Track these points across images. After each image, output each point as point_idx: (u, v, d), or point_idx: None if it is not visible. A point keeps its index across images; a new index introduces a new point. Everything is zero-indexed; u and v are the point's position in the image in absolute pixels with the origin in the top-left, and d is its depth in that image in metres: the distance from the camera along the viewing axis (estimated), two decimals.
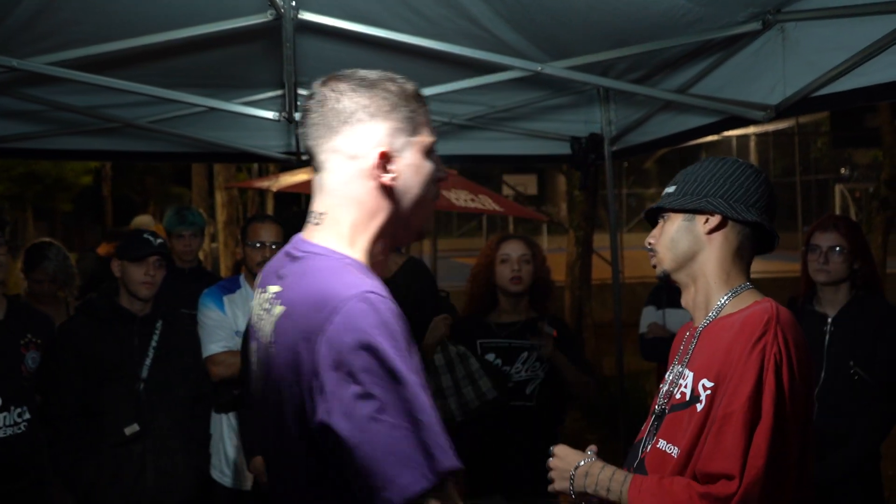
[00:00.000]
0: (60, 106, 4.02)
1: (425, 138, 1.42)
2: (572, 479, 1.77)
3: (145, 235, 3.18)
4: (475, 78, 3.37)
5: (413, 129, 1.40)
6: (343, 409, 1.18)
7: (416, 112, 1.41)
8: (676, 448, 1.67)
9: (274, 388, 1.32)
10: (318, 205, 1.41)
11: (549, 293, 3.31)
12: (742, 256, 1.77)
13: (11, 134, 4.16)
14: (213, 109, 3.81)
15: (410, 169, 1.39)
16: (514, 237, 3.30)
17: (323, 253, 1.36)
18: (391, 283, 4.11)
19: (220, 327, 3.45)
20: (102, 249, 6.41)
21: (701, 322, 1.77)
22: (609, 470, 1.74)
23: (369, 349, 1.19)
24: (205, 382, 3.40)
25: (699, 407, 1.65)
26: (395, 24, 3.03)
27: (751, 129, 23.86)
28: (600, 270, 10.02)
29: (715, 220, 1.73)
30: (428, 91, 3.43)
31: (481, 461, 3.05)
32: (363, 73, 1.42)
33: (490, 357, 3.13)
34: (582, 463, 1.78)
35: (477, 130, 4.53)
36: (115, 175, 23.88)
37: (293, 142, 4.46)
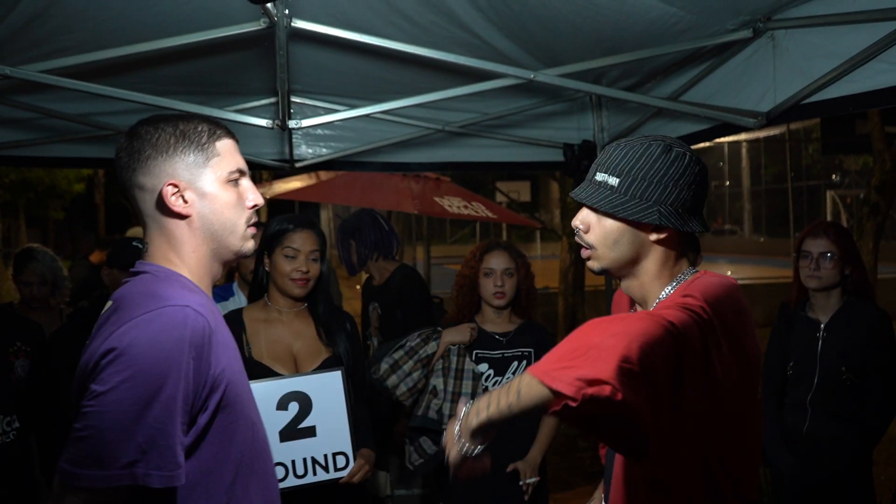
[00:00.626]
0: (53, 113, 4.01)
1: (222, 168, 1.55)
2: (461, 437, 1.52)
3: (134, 243, 3.17)
4: (468, 86, 3.38)
5: (206, 161, 1.54)
6: (91, 394, 1.35)
7: (208, 144, 1.54)
8: None
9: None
10: (144, 237, 1.59)
11: (533, 302, 3.32)
12: (682, 252, 1.72)
13: (4, 141, 4.15)
14: None
15: (206, 198, 1.53)
16: (498, 247, 3.28)
17: (155, 267, 1.54)
18: (383, 288, 4.19)
19: None
20: (95, 257, 6.41)
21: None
22: (496, 390, 1.47)
23: (134, 354, 1.34)
24: None
25: None
26: (388, 32, 3.04)
27: (742, 136, 23.99)
28: (593, 277, 10.04)
29: (665, 232, 1.64)
30: (420, 99, 3.44)
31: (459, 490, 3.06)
32: (164, 114, 1.59)
33: (483, 367, 3.16)
34: (462, 415, 1.54)
35: (470, 138, 4.55)
36: (107, 182, 23.81)
37: (286, 149, 4.46)
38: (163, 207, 1.51)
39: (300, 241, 2.68)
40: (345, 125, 4.40)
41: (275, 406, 2.50)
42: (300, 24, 2.89)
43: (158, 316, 1.37)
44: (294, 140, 4.45)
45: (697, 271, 1.71)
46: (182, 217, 1.52)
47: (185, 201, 1.51)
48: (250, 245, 1.61)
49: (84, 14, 2.87)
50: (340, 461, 2.55)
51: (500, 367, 3.17)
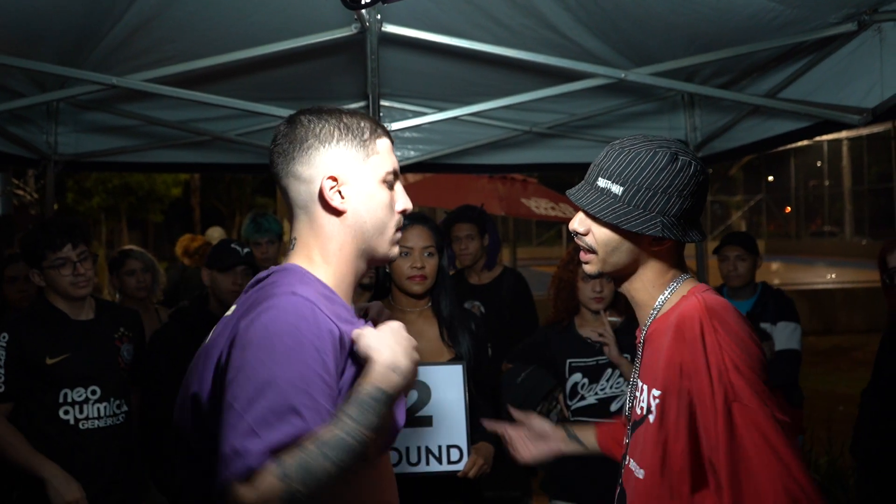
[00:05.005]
0: (154, 121, 4.19)
1: (380, 168, 1.50)
2: None
3: (233, 246, 3.23)
4: (556, 87, 3.35)
5: (366, 157, 1.48)
6: (225, 387, 1.28)
7: (370, 141, 1.49)
8: (642, 470, 1.58)
9: (195, 367, 1.43)
10: (292, 230, 1.54)
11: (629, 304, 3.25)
12: (679, 255, 1.66)
13: (108, 148, 4.35)
14: None
15: (362, 195, 1.48)
16: None
17: (290, 269, 1.47)
18: (488, 291, 4.15)
19: None
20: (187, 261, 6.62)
21: (644, 325, 1.68)
22: None
23: (273, 335, 1.28)
24: None
25: (651, 419, 1.57)
26: (477, 35, 3.04)
27: (843, 134, 23.03)
28: None
29: (665, 243, 1.59)
30: (508, 100, 3.43)
31: (570, 481, 3.03)
32: (326, 105, 1.54)
33: (577, 377, 3.11)
34: None
35: (557, 139, 4.51)
36: (202, 187, 24.70)
37: None
38: (318, 200, 1.46)
39: (413, 238, 2.67)
40: (432, 127, 4.43)
41: None
42: (391, 28, 2.93)
43: (286, 299, 1.32)
44: None
45: (688, 276, 1.66)
46: (336, 212, 1.47)
47: (342, 196, 1.46)
48: (396, 250, 1.55)
49: (184, 25, 2.98)
50: (454, 454, 2.54)
51: (594, 375, 3.10)
